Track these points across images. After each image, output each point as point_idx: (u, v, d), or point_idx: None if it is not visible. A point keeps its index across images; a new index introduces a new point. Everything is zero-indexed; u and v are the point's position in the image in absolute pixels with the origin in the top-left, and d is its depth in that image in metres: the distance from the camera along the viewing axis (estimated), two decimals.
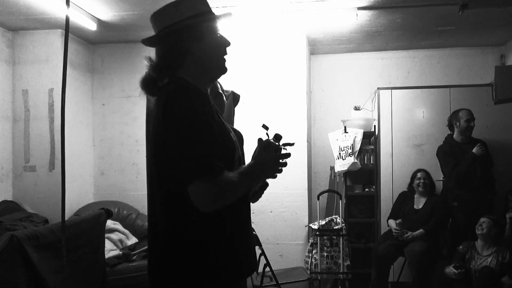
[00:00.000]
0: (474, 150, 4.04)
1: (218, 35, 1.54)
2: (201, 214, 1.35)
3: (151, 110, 1.54)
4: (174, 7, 1.48)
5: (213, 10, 1.56)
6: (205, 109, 1.39)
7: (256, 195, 1.72)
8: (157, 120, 1.40)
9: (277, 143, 1.46)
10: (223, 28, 1.59)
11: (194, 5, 1.50)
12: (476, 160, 4.03)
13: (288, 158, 1.47)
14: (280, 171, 1.49)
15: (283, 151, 1.47)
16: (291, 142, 1.52)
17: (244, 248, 1.51)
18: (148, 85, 1.50)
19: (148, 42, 1.56)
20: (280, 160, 1.46)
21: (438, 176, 4.43)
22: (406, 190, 4.41)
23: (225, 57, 1.55)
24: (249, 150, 1.61)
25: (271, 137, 1.48)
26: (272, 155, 1.44)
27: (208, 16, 1.50)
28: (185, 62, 1.48)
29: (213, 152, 1.34)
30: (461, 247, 3.86)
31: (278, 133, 1.47)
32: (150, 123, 1.53)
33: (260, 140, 1.48)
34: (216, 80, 1.64)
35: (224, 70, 1.56)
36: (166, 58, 1.49)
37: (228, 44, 1.55)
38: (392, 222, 4.24)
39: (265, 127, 1.55)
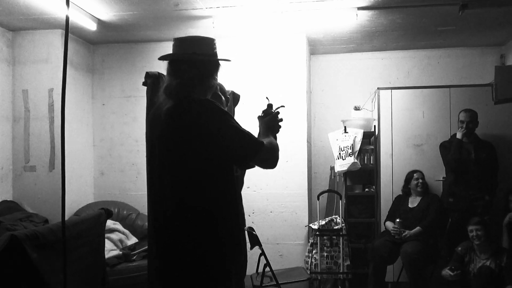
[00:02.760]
0: (457, 135, 4.13)
1: None
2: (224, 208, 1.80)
3: (162, 123, 1.82)
4: (210, 42, 1.91)
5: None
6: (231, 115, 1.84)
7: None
8: (203, 128, 1.72)
9: (271, 110, 2.06)
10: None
11: (216, 47, 1.93)
12: (460, 142, 4.10)
13: (282, 117, 2.06)
14: (279, 126, 2.04)
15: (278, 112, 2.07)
16: (282, 105, 2.08)
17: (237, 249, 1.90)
18: (180, 90, 1.80)
19: (172, 56, 1.89)
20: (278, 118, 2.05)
21: (438, 176, 4.43)
22: (401, 193, 4.45)
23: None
24: None
25: (268, 107, 2.07)
26: (270, 117, 2.03)
27: (223, 59, 1.93)
28: (199, 87, 1.85)
29: (252, 134, 1.82)
30: (459, 248, 3.85)
31: (270, 103, 2.07)
32: (166, 136, 1.83)
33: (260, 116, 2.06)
34: None
35: None
36: (197, 75, 1.84)
37: None
38: (389, 224, 4.26)
39: (267, 99, 2.12)
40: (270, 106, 2.06)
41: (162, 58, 1.90)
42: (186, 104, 1.78)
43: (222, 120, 1.74)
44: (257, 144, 1.79)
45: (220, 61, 1.94)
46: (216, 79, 1.94)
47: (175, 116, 1.77)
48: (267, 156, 1.83)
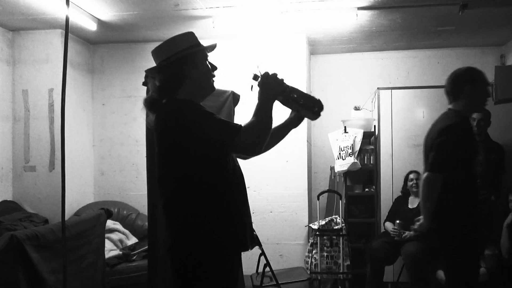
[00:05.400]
0: None
1: (207, 62, 1.87)
2: (204, 205, 1.72)
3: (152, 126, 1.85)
4: (171, 42, 1.84)
5: (202, 43, 1.88)
6: (204, 109, 1.77)
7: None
8: (170, 129, 1.72)
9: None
10: (210, 55, 1.92)
11: (187, 39, 1.84)
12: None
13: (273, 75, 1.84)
14: (279, 82, 1.84)
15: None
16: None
17: (238, 227, 1.80)
18: (151, 104, 1.84)
19: (150, 72, 1.88)
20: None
21: None
22: (401, 194, 4.45)
23: (213, 78, 1.90)
24: None
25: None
26: (261, 79, 1.82)
27: (199, 47, 1.84)
28: (182, 86, 1.80)
29: (227, 121, 1.74)
30: None
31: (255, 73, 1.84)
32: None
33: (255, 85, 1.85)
34: (206, 97, 1.94)
35: (212, 90, 1.91)
36: (167, 82, 1.81)
37: (215, 68, 1.89)
38: (389, 225, 4.25)
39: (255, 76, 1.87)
40: (256, 77, 1.84)
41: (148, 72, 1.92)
42: (162, 108, 1.80)
43: (191, 117, 1.71)
44: (232, 130, 1.68)
45: (196, 52, 1.84)
46: (198, 74, 1.82)
47: (155, 121, 1.80)
48: (246, 142, 1.70)
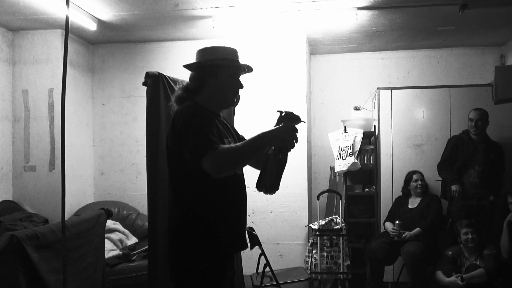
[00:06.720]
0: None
1: (234, 78, 2.00)
2: (203, 202, 1.83)
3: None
4: (210, 49, 1.98)
5: (239, 61, 2.03)
6: (205, 116, 1.84)
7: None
8: (174, 128, 1.83)
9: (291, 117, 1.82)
10: (242, 75, 2.08)
11: (224, 52, 1.98)
12: (455, 146, 4.26)
13: (297, 133, 1.79)
14: (295, 139, 1.78)
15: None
16: (303, 120, 1.88)
17: (235, 227, 1.91)
18: (176, 98, 1.99)
19: (186, 67, 2.00)
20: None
21: (438, 176, 4.43)
22: (401, 194, 4.45)
23: (237, 95, 2.04)
24: None
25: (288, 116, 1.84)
26: (288, 123, 1.80)
27: (227, 62, 1.96)
28: (202, 90, 1.95)
29: (212, 136, 1.75)
30: (450, 252, 3.82)
31: (297, 115, 1.84)
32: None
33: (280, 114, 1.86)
34: (225, 108, 2.11)
35: (231, 104, 2.06)
36: (192, 83, 1.97)
37: (240, 87, 2.02)
38: (389, 225, 4.25)
39: (281, 112, 1.88)
40: (295, 118, 1.82)
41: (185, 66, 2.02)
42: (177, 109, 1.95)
43: (190, 120, 1.79)
44: (204, 147, 1.70)
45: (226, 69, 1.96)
46: (218, 85, 1.94)
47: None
48: (210, 165, 1.69)
